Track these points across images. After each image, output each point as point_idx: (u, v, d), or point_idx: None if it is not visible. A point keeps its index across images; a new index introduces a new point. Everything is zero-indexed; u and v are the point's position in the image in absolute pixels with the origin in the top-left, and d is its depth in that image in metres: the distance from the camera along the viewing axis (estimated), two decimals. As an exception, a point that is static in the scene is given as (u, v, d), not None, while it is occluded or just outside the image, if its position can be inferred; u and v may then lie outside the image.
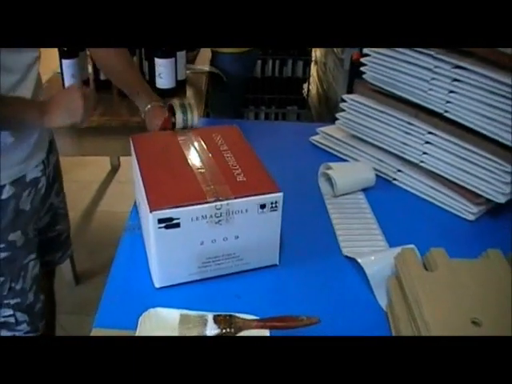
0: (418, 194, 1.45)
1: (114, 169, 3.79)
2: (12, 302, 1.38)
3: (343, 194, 1.42)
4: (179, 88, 2.36)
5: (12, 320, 1.40)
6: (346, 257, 1.19)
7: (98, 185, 3.62)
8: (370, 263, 1.12)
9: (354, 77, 2.83)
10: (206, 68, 2.65)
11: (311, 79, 4.21)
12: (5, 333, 1.41)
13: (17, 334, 1.42)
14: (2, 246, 1.32)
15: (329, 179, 1.43)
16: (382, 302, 1.08)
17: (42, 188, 1.43)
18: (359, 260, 1.12)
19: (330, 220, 1.32)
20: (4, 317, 1.39)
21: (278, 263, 1.16)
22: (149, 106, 1.43)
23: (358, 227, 1.31)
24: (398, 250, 1.08)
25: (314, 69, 4.21)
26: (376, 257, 1.14)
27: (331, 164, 1.44)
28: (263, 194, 1.04)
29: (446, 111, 1.33)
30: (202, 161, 1.13)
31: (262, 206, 1.04)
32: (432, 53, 1.30)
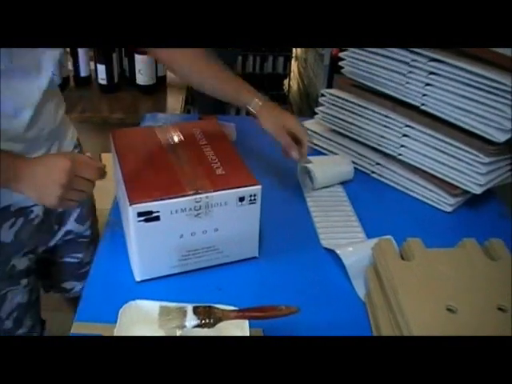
0: (396, 186, 1.47)
1: (95, 166, 3.78)
2: None
3: (322, 187, 1.43)
4: (159, 84, 2.37)
5: None
6: (325, 248, 1.20)
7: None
8: (349, 254, 1.13)
9: (334, 72, 2.86)
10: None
11: (292, 75, 4.23)
12: None
13: None
14: None
15: (308, 172, 1.44)
16: (360, 291, 1.10)
17: (36, 219, 1.27)
18: (337, 251, 1.14)
19: (310, 213, 1.34)
20: None
21: (257, 255, 1.17)
22: (260, 104, 1.31)
23: (337, 219, 1.32)
24: (375, 240, 1.10)
25: (294, 65, 4.23)
26: (354, 248, 1.16)
27: (310, 158, 1.45)
28: (242, 186, 1.05)
29: (423, 104, 1.35)
30: (181, 155, 1.13)
31: (241, 199, 1.05)
32: (409, 47, 1.32)
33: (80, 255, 1.51)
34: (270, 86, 4.17)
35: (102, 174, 1.04)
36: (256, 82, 4.05)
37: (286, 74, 4.17)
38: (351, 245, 1.17)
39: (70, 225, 1.40)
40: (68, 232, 1.40)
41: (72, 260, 1.48)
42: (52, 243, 1.39)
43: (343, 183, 1.47)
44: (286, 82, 4.26)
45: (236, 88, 1.34)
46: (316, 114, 1.66)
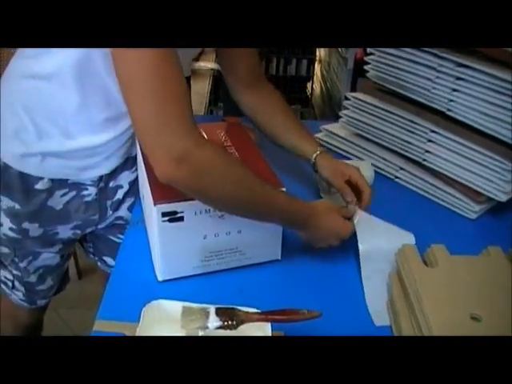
0: (419, 192, 1.46)
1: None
2: (13, 271, 1.36)
3: None
4: (183, 85, 2.36)
5: (9, 284, 1.39)
6: (345, 252, 1.20)
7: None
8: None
9: (358, 76, 2.85)
10: (210, 65, 2.66)
11: (315, 78, 4.22)
12: (3, 290, 1.40)
13: (13, 296, 1.40)
14: (14, 227, 1.26)
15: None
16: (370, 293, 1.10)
17: (88, 197, 1.29)
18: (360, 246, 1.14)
19: None
20: (4, 277, 1.38)
21: (280, 258, 1.17)
22: (317, 153, 1.30)
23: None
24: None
25: (317, 68, 4.22)
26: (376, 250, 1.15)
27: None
28: (266, 188, 1.05)
29: (449, 110, 1.34)
30: (205, 156, 1.13)
31: (265, 201, 1.05)
32: (436, 51, 1.31)
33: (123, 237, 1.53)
34: (293, 89, 4.17)
35: None
36: (279, 84, 4.10)
37: (310, 76, 4.17)
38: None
39: (122, 211, 1.41)
40: (119, 218, 1.41)
41: (118, 240, 1.48)
42: (102, 226, 1.41)
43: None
44: (308, 84, 4.25)
45: (299, 138, 1.33)
46: (339, 117, 1.66)
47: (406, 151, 1.46)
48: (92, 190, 1.28)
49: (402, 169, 1.49)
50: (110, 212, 1.37)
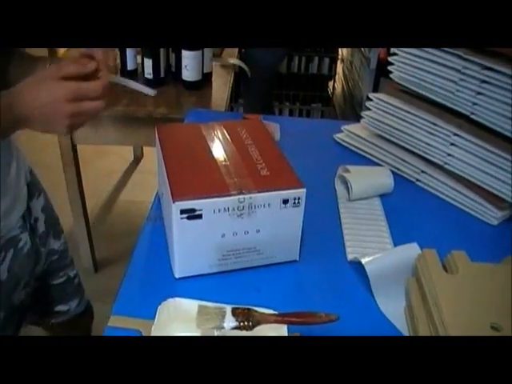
0: (440, 195, 1.44)
1: (137, 159, 3.81)
2: None
3: (358, 199, 1.40)
4: (204, 80, 2.37)
5: None
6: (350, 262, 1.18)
7: (120, 174, 3.64)
8: (372, 261, 1.11)
9: (380, 76, 2.83)
10: (232, 61, 2.65)
11: (337, 77, 4.20)
12: None
13: None
14: None
15: (345, 182, 1.41)
16: (381, 301, 1.08)
17: (26, 246, 1.23)
18: (362, 260, 1.11)
19: (341, 224, 1.31)
20: None
21: (297, 259, 1.16)
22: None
23: (367, 234, 1.27)
24: (400, 248, 1.11)
25: (339, 67, 4.20)
26: (378, 256, 1.13)
27: (349, 167, 1.43)
28: (286, 189, 1.04)
29: (473, 113, 1.32)
30: (225, 153, 1.13)
31: (285, 201, 1.04)
32: (460, 53, 1.29)
33: (65, 271, 1.50)
34: (315, 87, 4.15)
35: (104, 85, 0.99)
36: (300, 82, 4.10)
37: (331, 75, 4.15)
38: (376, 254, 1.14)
39: (51, 243, 1.38)
40: (50, 251, 1.38)
41: (61, 280, 1.47)
42: (40, 269, 1.35)
43: (381, 195, 1.43)
44: (330, 83, 4.23)
45: None
46: (360, 117, 1.64)
47: (428, 154, 1.45)
48: (25, 237, 1.23)
49: (423, 172, 1.48)
50: (42, 249, 1.33)
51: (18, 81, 1.00)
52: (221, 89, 2.39)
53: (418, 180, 1.49)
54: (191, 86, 2.32)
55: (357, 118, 1.66)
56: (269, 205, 1.03)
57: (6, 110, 0.93)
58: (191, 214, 1.00)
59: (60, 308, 1.51)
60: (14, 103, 0.93)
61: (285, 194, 1.04)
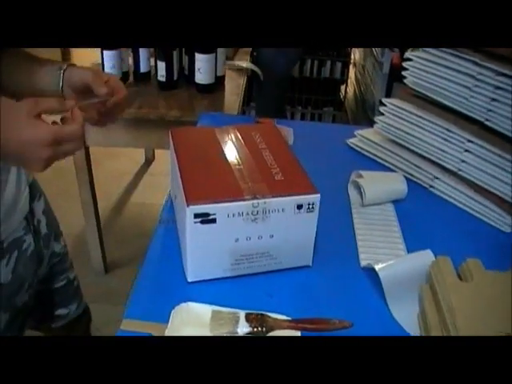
0: (453, 202, 1.43)
1: (148, 161, 3.82)
2: None
3: (371, 205, 1.39)
4: (217, 84, 2.37)
5: None
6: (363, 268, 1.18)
7: (131, 176, 3.64)
8: (385, 268, 1.10)
9: (393, 81, 2.83)
10: (245, 65, 2.65)
11: (349, 81, 4.20)
12: None
13: None
14: None
15: (358, 187, 1.41)
16: (394, 308, 1.07)
17: (29, 247, 1.22)
18: (375, 266, 1.10)
19: (354, 229, 1.30)
20: None
21: (310, 264, 1.15)
22: (64, 67, 1.12)
23: (380, 240, 1.26)
24: (413, 255, 1.11)
25: (352, 71, 4.19)
26: (391, 263, 1.12)
27: (362, 172, 1.42)
28: (301, 194, 1.04)
29: (487, 119, 1.31)
30: (240, 157, 1.13)
31: (299, 207, 1.04)
32: (476, 59, 1.29)
33: (66, 274, 1.50)
34: (327, 91, 4.15)
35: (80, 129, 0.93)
36: (312, 86, 4.09)
37: (344, 79, 4.14)
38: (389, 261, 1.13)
39: (53, 246, 1.38)
40: (53, 254, 1.38)
41: (62, 283, 1.46)
42: (43, 271, 1.35)
43: (395, 201, 1.43)
44: (342, 87, 4.23)
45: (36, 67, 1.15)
46: (372, 121, 1.64)
47: (442, 160, 1.44)
48: (29, 239, 1.22)
49: (436, 178, 1.47)
50: (45, 251, 1.33)
51: (10, 79, 1.03)
52: (233, 92, 2.40)
53: (431, 186, 1.48)
54: (204, 89, 2.32)
55: (369, 123, 1.66)
56: (283, 210, 1.03)
57: None
58: (205, 219, 1.00)
59: (60, 312, 1.51)
60: None
61: (299, 199, 1.03)
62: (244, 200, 1.00)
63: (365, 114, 3.46)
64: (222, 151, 1.15)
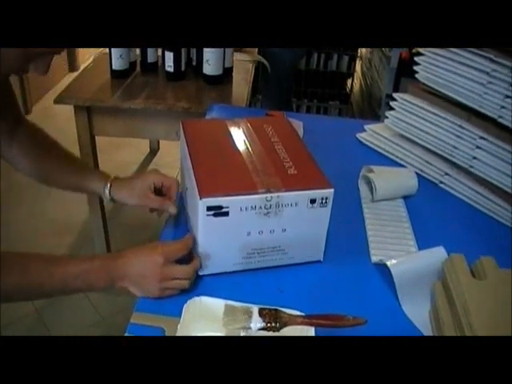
0: (464, 198, 1.43)
1: (153, 152, 3.81)
2: None
3: (382, 200, 1.39)
4: (225, 75, 2.35)
5: None
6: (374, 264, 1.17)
7: (136, 167, 3.63)
8: (397, 264, 1.09)
9: (401, 75, 2.81)
10: (252, 57, 2.64)
11: (355, 75, 4.18)
12: None
13: None
14: None
15: (369, 182, 1.40)
16: (406, 304, 1.07)
17: None
18: (387, 263, 1.10)
19: (364, 224, 1.30)
20: None
21: (322, 259, 1.15)
22: (110, 180, 1.28)
23: (391, 235, 1.26)
24: (425, 252, 1.11)
25: (358, 64, 4.17)
26: (403, 259, 1.12)
27: (373, 167, 1.41)
28: (314, 188, 1.03)
29: (500, 116, 1.30)
30: (252, 151, 1.12)
31: (312, 201, 1.03)
32: (491, 56, 1.27)
33: None
34: (333, 85, 4.13)
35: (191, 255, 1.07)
36: (319, 79, 4.07)
37: (350, 73, 4.12)
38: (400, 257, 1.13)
39: None
40: None
41: None
42: None
43: (405, 196, 1.42)
44: (349, 81, 4.21)
45: (84, 174, 1.30)
46: (378, 115, 1.63)
47: (453, 156, 1.43)
48: None
49: (447, 174, 1.46)
50: None
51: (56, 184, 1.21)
52: (241, 84, 2.38)
53: (441, 182, 1.48)
54: (212, 80, 2.31)
55: (375, 117, 1.65)
56: (296, 204, 1.02)
57: (102, 269, 0.99)
58: (218, 211, 0.99)
59: None
60: (111, 264, 1.01)
61: (312, 193, 1.03)
62: (257, 193, 1.00)
63: (371, 107, 3.44)
64: (234, 144, 1.14)
